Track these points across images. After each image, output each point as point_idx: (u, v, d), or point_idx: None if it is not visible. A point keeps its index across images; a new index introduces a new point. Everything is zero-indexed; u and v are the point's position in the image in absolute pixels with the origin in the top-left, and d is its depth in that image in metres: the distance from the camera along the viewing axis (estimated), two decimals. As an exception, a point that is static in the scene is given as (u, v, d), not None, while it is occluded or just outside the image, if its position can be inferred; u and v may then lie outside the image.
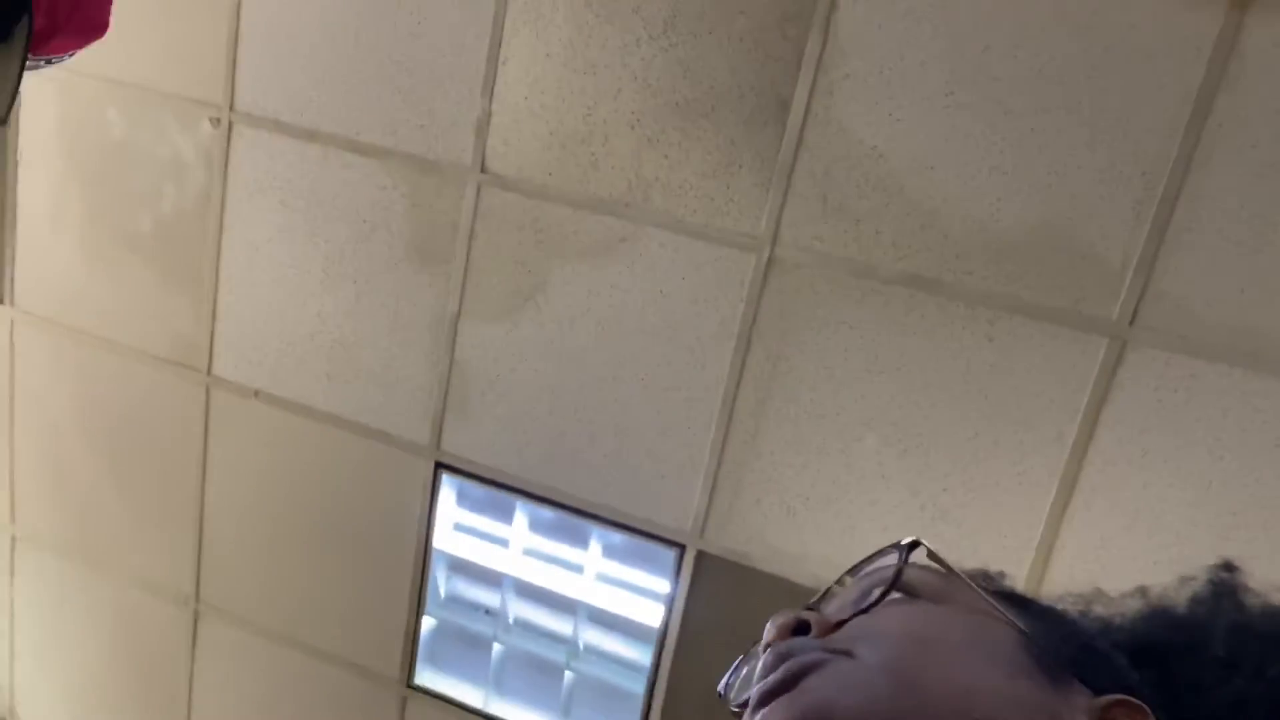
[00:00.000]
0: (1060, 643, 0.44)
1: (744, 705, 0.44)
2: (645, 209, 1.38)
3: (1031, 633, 0.44)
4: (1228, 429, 1.18)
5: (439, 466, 1.59)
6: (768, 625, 0.46)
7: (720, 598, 1.46)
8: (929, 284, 1.27)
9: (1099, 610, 0.50)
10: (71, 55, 0.93)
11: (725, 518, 1.44)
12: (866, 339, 1.32)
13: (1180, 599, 0.48)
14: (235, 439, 1.71)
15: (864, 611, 0.46)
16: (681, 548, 1.48)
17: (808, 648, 0.43)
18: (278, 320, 1.63)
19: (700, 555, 1.47)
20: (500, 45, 1.41)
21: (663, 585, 1.53)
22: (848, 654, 0.42)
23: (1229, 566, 0.48)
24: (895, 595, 0.47)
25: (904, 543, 0.48)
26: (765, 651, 0.44)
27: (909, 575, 0.48)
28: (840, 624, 0.45)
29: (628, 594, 1.60)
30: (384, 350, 1.58)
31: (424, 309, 1.54)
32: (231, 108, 1.58)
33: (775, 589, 1.42)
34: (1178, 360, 1.19)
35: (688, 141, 1.34)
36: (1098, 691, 0.42)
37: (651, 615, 1.56)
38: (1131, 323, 1.20)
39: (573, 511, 1.53)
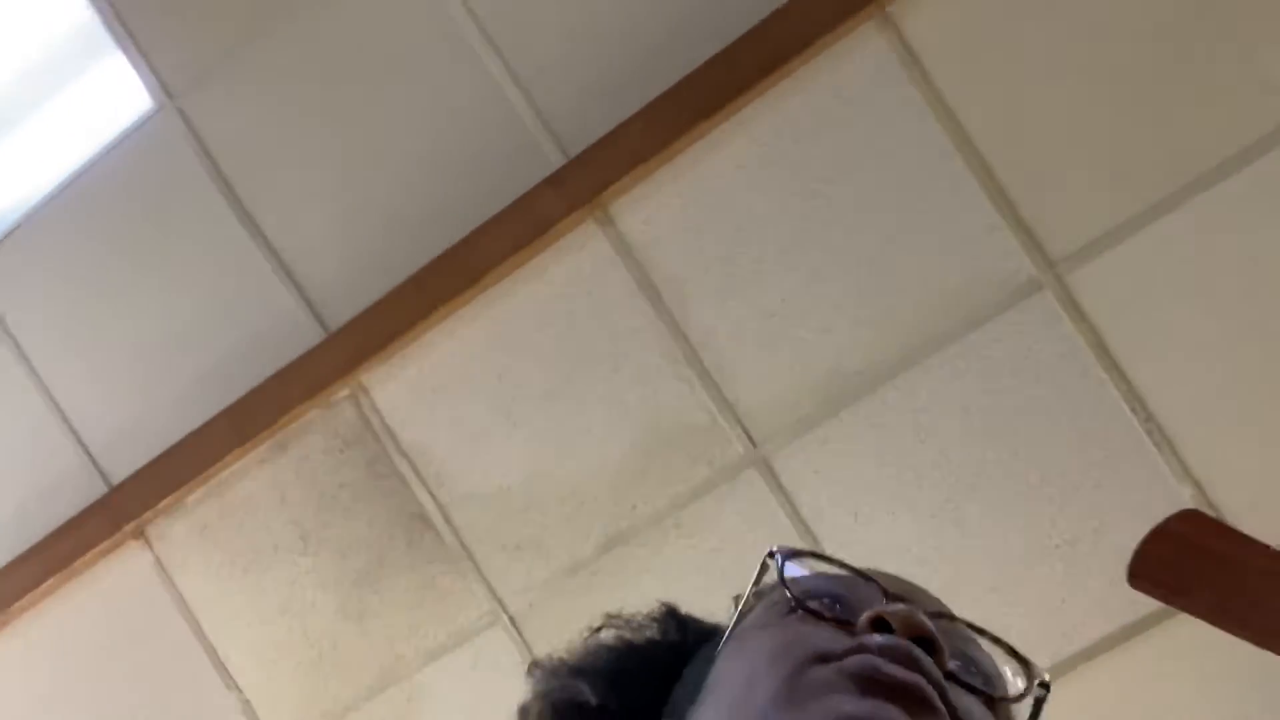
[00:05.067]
0: None
1: (804, 605, 0.46)
2: (404, 664, 1.50)
3: None
4: (883, 448, 1.33)
5: None
6: (900, 607, 0.44)
7: None
8: (618, 537, 1.41)
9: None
10: None
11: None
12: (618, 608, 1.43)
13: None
14: None
15: (984, 696, 0.45)
16: None
17: (939, 687, 0.41)
18: None
19: None
20: (222, 661, 1.54)
21: None
22: None
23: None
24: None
25: (1041, 675, 0.47)
26: (884, 622, 0.43)
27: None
28: (952, 676, 0.44)
29: None
30: None
31: None
32: None
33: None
34: (807, 440, 1.35)
35: (386, 595, 1.49)
36: None
37: None
38: (755, 445, 1.37)
39: None
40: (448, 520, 1.46)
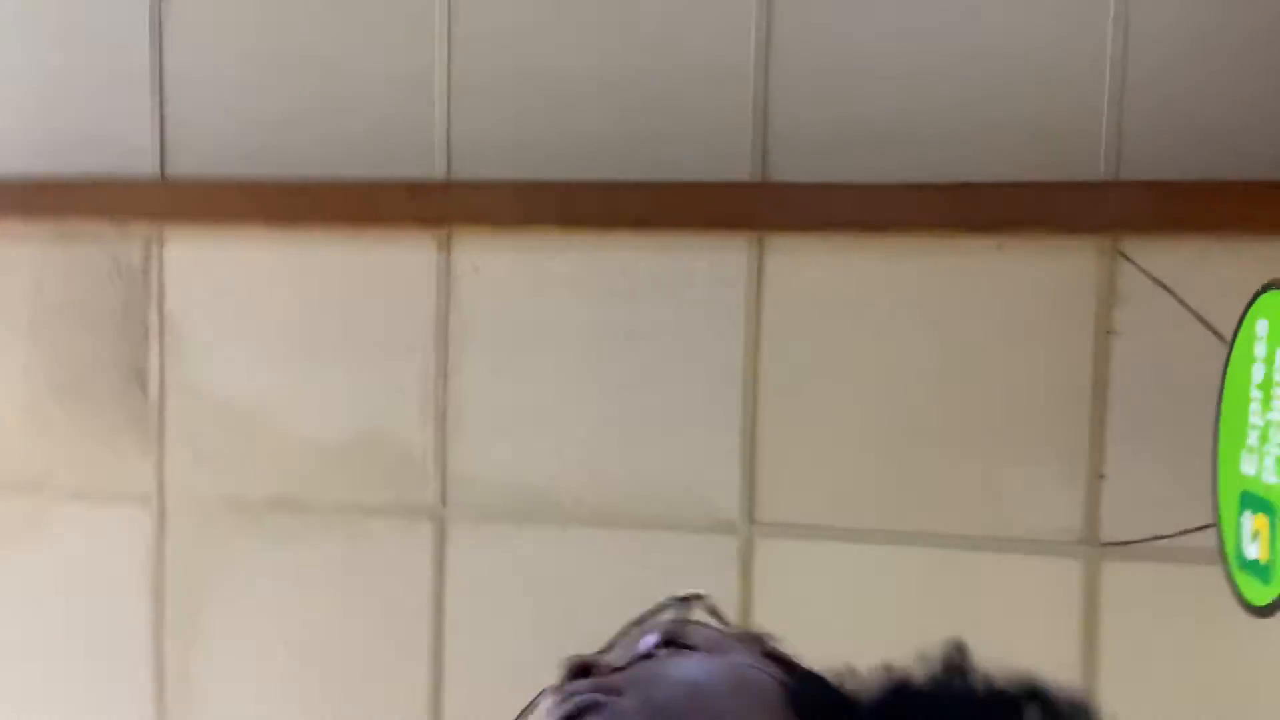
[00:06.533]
0: (818, 696, 0.49)
1: None
2: (47, 485, 1.50)
3: (793, 686, 0.50)
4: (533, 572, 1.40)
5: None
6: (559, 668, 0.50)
7: None
8: (291, 503, 1.45)
9: (850, 685, 0.53)
10: None
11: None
12: (261, 567, 1.46)
13: (919, 674, 0.52)
14: None
15: (644, 658, 0.50)
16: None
17: (584, 689, 0.47)
18: None
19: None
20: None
21: None
22: (620, 694, 0.47)
23: (959, 647, 0.53)
24: (672, 647, 0.51)
25: (683, 595, 0.54)
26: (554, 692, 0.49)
27: (687, 629, 0.52)
28: (619, 669, 0.49)
29: None
30: None
31: None
32: None
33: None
34: (486, 525, 1.41)
35: (71, 421, 1.50)
36: None
37: None
38: (444, 503, 1.42)
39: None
40: (161, 397, 1.48)
